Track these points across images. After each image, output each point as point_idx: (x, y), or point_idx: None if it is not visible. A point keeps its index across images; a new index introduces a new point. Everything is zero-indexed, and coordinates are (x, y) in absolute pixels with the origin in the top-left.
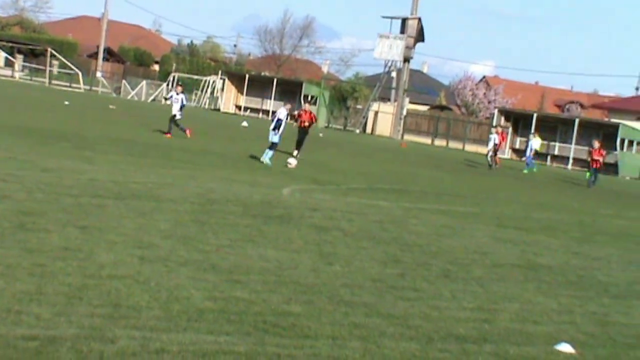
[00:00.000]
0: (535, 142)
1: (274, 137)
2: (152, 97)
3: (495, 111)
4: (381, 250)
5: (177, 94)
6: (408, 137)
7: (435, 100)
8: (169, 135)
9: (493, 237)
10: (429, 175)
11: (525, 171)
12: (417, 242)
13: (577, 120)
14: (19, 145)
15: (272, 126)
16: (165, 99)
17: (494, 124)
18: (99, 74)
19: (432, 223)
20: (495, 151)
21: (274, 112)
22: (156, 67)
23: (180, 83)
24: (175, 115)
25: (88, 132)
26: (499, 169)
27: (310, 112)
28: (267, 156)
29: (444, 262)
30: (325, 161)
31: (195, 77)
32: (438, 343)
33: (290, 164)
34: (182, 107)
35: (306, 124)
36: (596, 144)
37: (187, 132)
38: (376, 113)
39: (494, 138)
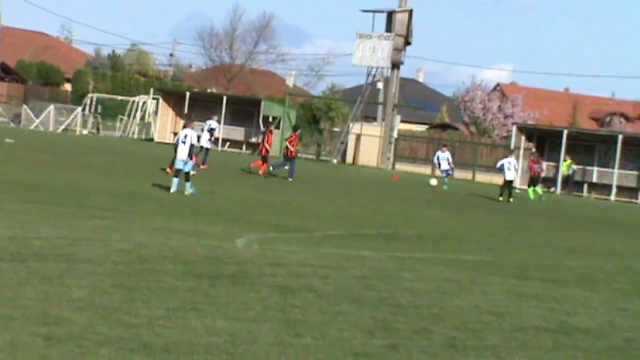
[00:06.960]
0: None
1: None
2: (63, 126)
3: (514, 128)
4: (366, 315)
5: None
6: (401, 167)
7: (435, 117)
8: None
9: (512, 293)
10: (427, 215)
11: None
12: (414, 302)
13: (620, 137)
14: None
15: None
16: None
17: (512, 145)
18: None
19: (432, 277)
20: (534, 182)
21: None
22: (68, 86)
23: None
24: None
25: None
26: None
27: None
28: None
29: (448, 327)
30: (292, 201)
31: (120, 97)
32: None
33: None
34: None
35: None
36: None
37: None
38: (358, 137)
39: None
